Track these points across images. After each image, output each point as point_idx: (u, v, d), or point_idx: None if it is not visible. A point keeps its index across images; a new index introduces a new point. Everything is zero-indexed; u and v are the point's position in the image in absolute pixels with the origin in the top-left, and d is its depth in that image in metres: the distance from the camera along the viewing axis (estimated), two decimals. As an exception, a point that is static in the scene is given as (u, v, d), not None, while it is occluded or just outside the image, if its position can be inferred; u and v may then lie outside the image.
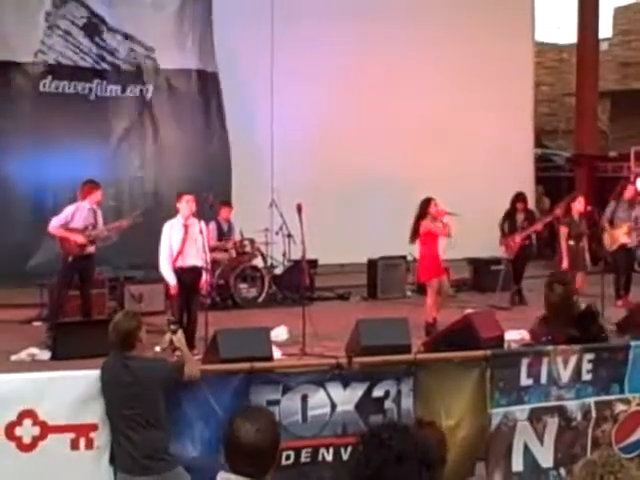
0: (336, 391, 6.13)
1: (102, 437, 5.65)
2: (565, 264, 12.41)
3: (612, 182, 16.53)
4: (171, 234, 10.52)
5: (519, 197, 14.56)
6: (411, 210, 11.91)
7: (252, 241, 14.27)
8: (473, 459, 6.33)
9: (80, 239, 11.20)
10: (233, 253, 13.94)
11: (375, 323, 7.59)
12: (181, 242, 10.46)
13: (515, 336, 9.92)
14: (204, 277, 10.55)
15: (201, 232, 10.41)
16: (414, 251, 12.39)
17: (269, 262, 14.64)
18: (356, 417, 6.14)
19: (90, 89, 15.24)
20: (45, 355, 10.22)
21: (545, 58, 25.04)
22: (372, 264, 15.07)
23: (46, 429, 5.48)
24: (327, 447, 6.08)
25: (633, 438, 6.64)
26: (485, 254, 15.40)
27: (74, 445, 5.59)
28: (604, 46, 22.65)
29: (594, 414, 6.52)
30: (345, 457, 6.03)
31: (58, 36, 14.94)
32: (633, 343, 6.92)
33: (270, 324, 9.16)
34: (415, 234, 11.76)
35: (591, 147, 20.28)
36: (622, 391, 6.66)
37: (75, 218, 11.30)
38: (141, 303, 12.54)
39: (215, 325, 8.61)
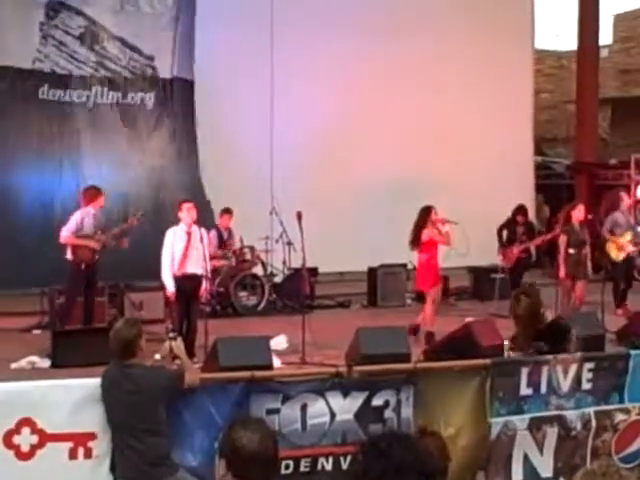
0: (336, 400, 6.12)
1: (101, 446, 5.64)
2: (562, 273, 12.38)
3: (612, 190, 16.49)
4: (174, 241, 10.53)
5: (520, 210, 14.55)
6: (411, 218, 11.89)
7: (252, 249, 14.27)
8: (474, 469, 6.32)
9: (94, 244, 11.27)
10: (233, 261, 13.93)
11: (375, 332, 7.58)
12: (183, 249, 10.47)
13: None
14: (204, 285, 10.55)
15: (201, 240, 10.42)
16: (414, 259, 12.35)
17: (269, 270, 14.63)
18: (355, 426, 6.13)
19: (87, 97, 15.24)
20: (45, 363, 10.20)
21: (545, 65, 25.05)
22: (372, 272, 15.06)
23: (44, 438, 5.47)
24: (326, 456, 6.07)
25: (633, 448, 6.63)
26: (485, 262, 15.38)
27: (72, 454, 5.59)
28: (604, 53, 22.66)
29: (594, 424, 6.51)
30: (345, 466, 6.02)
31: (52, 46, 14.96)
32: (633, 352, 6.91)
33: (270, 332, 9.12)
34: (416, 242, 11.73)
35: (591, 155, 20.27)
36: (622, 400, 6.65)
37: (84, 225, 11.33)
38: (141, 311, 12.53)
39: (215, 333, 8.60)
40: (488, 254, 14.78)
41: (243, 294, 13.87)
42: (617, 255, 13.90)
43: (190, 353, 8.62)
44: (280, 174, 16.33)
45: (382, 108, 17.24)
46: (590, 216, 13.01)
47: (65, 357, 9.99)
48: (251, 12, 16.43)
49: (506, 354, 6.92)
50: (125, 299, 12.95)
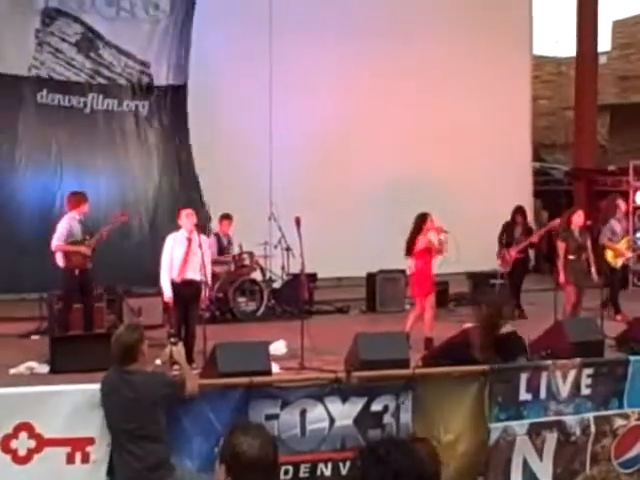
0: (335, 405, 6.12)
1: (99, 451, 5.64)
2: (562, 278, 12.37)
3: (609, 196, 16.49)
4: (173, 247, 10.53)
5: (519, 210, 14.56)
6: (410, 224, 11.89)
7: (251, 254, 14.26)
8: (473, 474, 6.31)
9: (84, 250, 11.28)
10: (232, 266, 13.93)
11: (374, 337, 7.57)
12: (184, 255, 10.46)
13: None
14: (203, 291, 10.54)
15: (200, 246, 10.41)
16: (409, 266, 12.29)
17: (268, 276, 14.62)
18: (355, 432, 6.12)
19: (85, 103, 15.25)
20: (44, 369, 10.19)
21: (543, 71, 25.07)
22: (371, 278, 15.05)
23: (42, 442, 5.47)
24: (326, 462, 6.06)
25: (632, 453, 6.63)
26: (484, 268, 15.37)
27: (70, 459, 5.59)
28: (603, 59, 22.66)
29: (593, 429, 6.51)
30: (344, 472, 6.02)
31: (48, 52, 14.96)
32: (632, 358, 6.91)
33: (269, 338, 9.11)
34: (411, 249, 11.69)
35: (590, 161, 20.28)
36: (621, 406, 6.65)
37: (73, 231, 11.34)
38: (140, 316, 12.51)
39: (214, 339, 8.59)
40: (487, 260, 14.77)
41: (242, 300, 13.86)
42: (615, 262, 13.91)
43: (189, 359, 8.61)
44: (279, 180, 16.33)
45: (381, 113, 17.25)
46: (589, 222, 13.00)
47: (64, 363, 9.97)
48: (249, 17, 16.43)
49: None
50: (124, 305, 12.94)
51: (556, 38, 26.57)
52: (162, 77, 15.73)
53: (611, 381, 6.64)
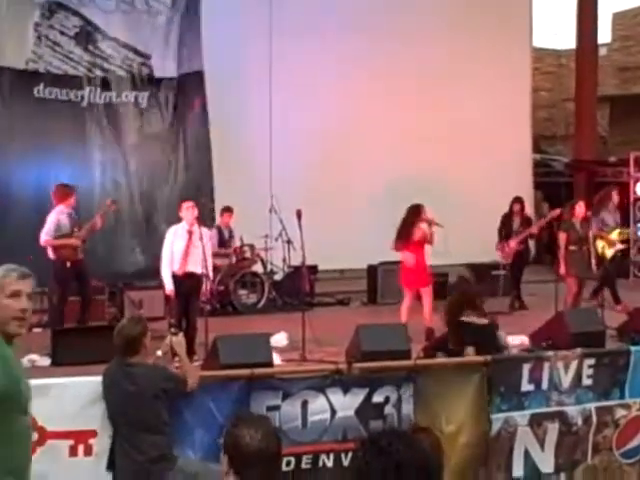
0: (336, 397, 6.13)
1: (101, 444, 5.64)
2: (563, 270, 12.37)
3: (605, 187, 16.49)
4: (174, 240, 10.53)
5: (517, 201, 14.55)
6: (410, 216, 11.92)
7: (252, 247, 14.27)
8: (475, 465, 6.31)
9: (74, 242, 11.32)
10: (233, 259, 13.94)
11: (375, 329, 7.58)
12: (184, 248, 10.47)
13: (515, 341, 9.91)
14: (204, 284, 10.54)
15: (201, 239, 10.41)
16: (408, 257, 12.19)
17: (269, 268, 14.63)
18: (356, 423, 6.13)
19: (82, 96, 15.23)
20: (45, 361, 10.20)
21: (544, 63, 25.04)
22: (372, 269, 15.06)
23: (45, 435, 5.47)
24: (327, 453, 6.07)
25: (634, 443, 6.62)
26: (485, 259, 15.38)
27: (72, 451, 5.59)
28: (603, 51, 22.64)
29: (595, 419, 6.51)
30: (346, 463, 6.02)
31: (47, 46, 14.92)
32: (633, 348, 6.92)
33: (270, 330, 9.11)
34: (407, 240, 11.64)
35: (590, 152, 20.27)
36: (622, 396, 6.65)
37: (61, 224, 11.38)
38: (141, 309, 12.53)
39: (215, 331, 8.60)
40: (488, 251, 14.78)
41: (243, 292, 13.87)
42: (605, 252, 13.86)
43: (190, 351, 8.63)
44: (279, 172, 16.32)
45: (381, 107, 17.23)
46: (589, 213, 13.01)
47: (65, 355, 9.98)
48: (250, 15, 16.42)
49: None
50: (125, 297, 12.96)
51: (556, 30, 26.56)
52: (164, 69, 15.70)
53: (612, 371, 6.64)
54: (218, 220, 14.16)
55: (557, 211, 13.27)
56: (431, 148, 17.65)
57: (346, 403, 6.14)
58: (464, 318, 6.92)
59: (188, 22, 15.79)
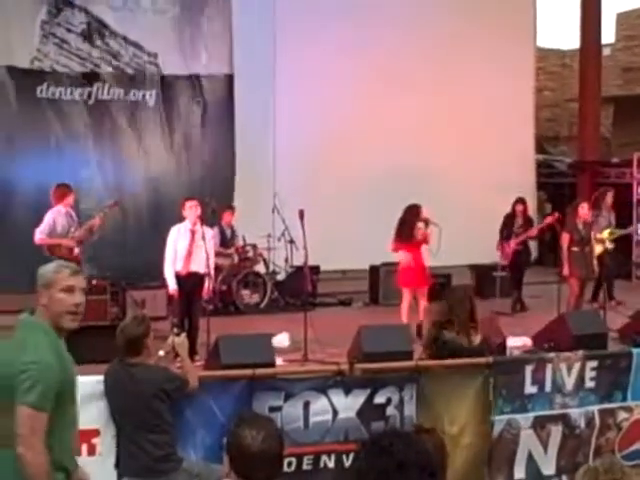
0: (338, 397, 6.12)
1: (104, 443, 5.65)
2: (566, 271, 12.37)
3: (615, 188, 16.47)
4: (177, 239, 10.53)
5: (519, 202, 14.54)
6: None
7: (254, 247, 14.26)
8: (479, 466, 6.30)
9: (68, 242, 11.35)
10: (235, 259, 13.94)
11: (377, 329, 7.58)
12: (187, 247, 10.47)
13: (517, 343, 9.91)
14: (207, 283, 10.54)
15: (203, 238, 10.41)
16: (405, 257, 12.21)
17: (271, 268, 14.63)
18: (358, 424, 6.13)
19: (89, 93, 15.25)
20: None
21: (547, 63, 25.03)
22: (374, 270, 15.06)
23: (47, 434, 5.47)
24: (329, 454, 6.07)
25: (636, 446, 6.63)
26: (487, 260, 15.38)
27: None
28: (607, 51, 22.61)
29: (598, 422, 6.50)
30: (347, 464, 6.02)
31: (53, 44, 14.95)
32: (635, 350, 6.90)
33: (272, 330, 9.14)
34: (409, 240, 11.66)
35: (593, 153, 20.24)
36: (625, 399, 6.64)
37: (57, 224, 11.39)
38: (143, 309, 12.53)
39: (217, 331, 8.60)
40: (490, 252, 14.77)
41: (245, 292, 13.87)
42: (595, 249, 13.83)
43: (192, 351, 8.63)
44: (282, 172, 16.32)
45: (384, 106, 17.22)
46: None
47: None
48: (253, 12, 16.42)
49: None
50: (127, 297, 12.96)
51: (560, 30, 26.55)
52: (172, 67, 15.73)
53: (615, 374, 6.63)
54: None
55: (555, 216, 13.23)
56: (434, 148, 17.64)
57: (348, 404, 6.13)
58: (445, 336, 6.85)
59: (196, 21, 15.84)
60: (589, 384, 6.53)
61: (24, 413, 3.92)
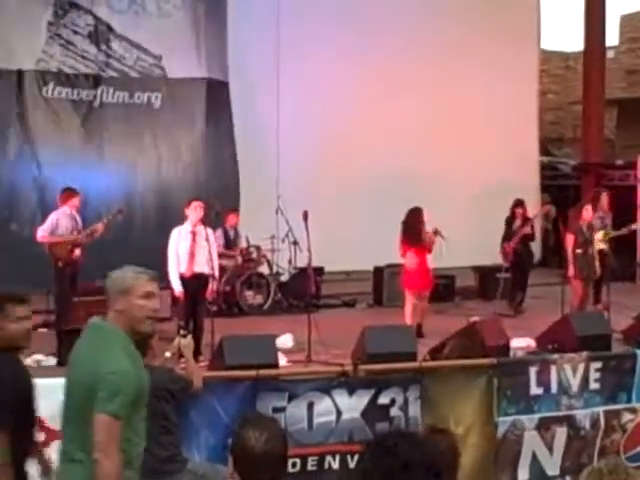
0: (342, 398, 6.12)
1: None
2: (571, 271, 12.36)
3: (619, 190, 16.47)
4: (178, 241, 10.54)
5: (517, 203, 14.54)
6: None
7: (258, 248, 14.26)
8: (484, 467, 6.29)
9: (69, 242, 11.42)
10: (239, 260, 13.94)
11: (381, 330, 7.58)
12: (189, 249, 10.47)
13: (521, 344, 9.90)
14: (211, 284, 10.55)
15: (207, 239, 10.42)
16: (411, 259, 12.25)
17: (275, 269, 14.62)
18: (362, 424, 6.12)
19: (95, 96, 15.28)
20: (51, 361, 10.21)
21: (551, 66, 25.02)
22: (378, 271, 15.05)
23: (52, 435, 5.47)
24: (333, 454, 6.06)
25: (641, 447, 6.62)
26: (490, 262, 15.38)
27: (80, 451, 5.57)
28: (611, 54, 22.59)
29: (602, 423, 6.49)
30: (352, 465, 6.01)
31: (59, 45, 14.97)
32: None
33: (276, 331, 9.13)
34: (419, 243, 11.73)
35: (597, 155, 20.23)
36: (629, 400, 6.63)
37: (60, 224, 11.47)
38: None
39: (221, 332, 8.60)
40: (493, 253, 14.77)
41: (249, 293, 13.86)
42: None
43: (197, 352, 8.63)
44: (286, 173, 16.33)
45: (387, 109, 17.23)
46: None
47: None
48: (258, 13, 16.44)
49: None
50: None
51: (564, 32, 26.53)
52: (176, 70, 15.75)
53: (619, 375, 6.63)
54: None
55: (546, 207, 13.20)
56: (438, 151, 17.65)
57: (352, 405, 6.13)
58: None
59: (200, 25, 15.89)
60: (594, 385, 6.52)
61: (103, 421, 3.99)
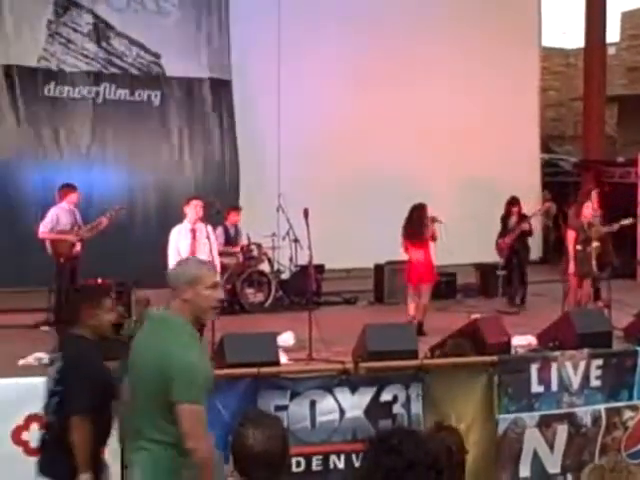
0: (344, 396, 6.11)
1: (110, 440, 5.63)
2: (572, 269, 12.37)
3: (620, 187, 16.47)
4: (178, 239, 10.55)
5: (512, 201, 14.56)
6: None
7: (259, 246, 14.26)
8: (485, 464, 6.28)
9: (71, 238, 11.44)
10: (240, 258, 13.93)
11: (382, 328, 7.56)
12: (189, 247, 10.49)
13: (522, 342, 9.89)
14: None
15: (208, 237, 10.43)
16: (399, 255, 12.35)
17: (276, 267, 14.62)
18: (366, 422, 6.10)
19: (97, 93, 15.30)
20: (52, 359, 10.21)
21: (552, 63, 25.01)
22: (379, 269, 15.05)
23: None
24: (338, 454, 6.04)
25: (642, 444, 6.62)
26: (492, 259, 15.37)
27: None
28: (611, 51, 22.58)
29: (604, 421, 6.48)
30: (357, 464, 5.99)
31: (60, 44, 15.01)
32: (641, 349, 6.89)
33: (277, 329, 9.12)
34: (420, 239, 11.79)
35: (598, 152, 20.21)
36: (631, 397, 6.63)
37: (60, 220, 11.50)
38: (148, 307, 12.51)
39: (222, 330, 8.58)
40: (494, 251, 14.77)
41: (250, 291, 13.85)
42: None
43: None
44: (287, 171, 16.33)
45: (388, 106, 17.22)
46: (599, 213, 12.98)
47: (72, 353, 9.97)
48: (259, 10, 16.44)
49: None
50: (133, 296, 12.94)
51: (564, 29, 26.54)
52: (176, 68, 15.76)
53: (620, 373, 6.62)
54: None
55: (547, 205, 13.20)
56: (439, 147, 17.66)
57: (354, 402, 6.12)
58: None
59: (200, 23, 15.90)
60: (595, 383, 6.52)
61: (187, 409, 4.12)
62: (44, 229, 11.50)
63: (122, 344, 5.72)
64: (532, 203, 15.30)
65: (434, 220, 11.87)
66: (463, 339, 7.60)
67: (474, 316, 10.31)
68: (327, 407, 6.07)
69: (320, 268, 14.30)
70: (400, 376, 6.26)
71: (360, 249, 15.72)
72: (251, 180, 15.85)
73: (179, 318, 4.33)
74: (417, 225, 11.83)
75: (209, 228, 10.71)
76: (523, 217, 14.58)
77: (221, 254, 11.91)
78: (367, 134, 17.04)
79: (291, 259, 14.49)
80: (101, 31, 15.30)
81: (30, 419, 5.42)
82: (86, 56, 15.20)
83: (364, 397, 6.14)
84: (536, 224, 15.65)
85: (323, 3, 17.08)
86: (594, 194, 14.28)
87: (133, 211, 15.22)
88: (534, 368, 6.37)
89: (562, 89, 25.51)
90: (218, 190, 14.89)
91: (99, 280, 12.25)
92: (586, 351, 6.59)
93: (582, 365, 6.47)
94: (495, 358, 6.46)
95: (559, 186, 21.04)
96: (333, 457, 6.04)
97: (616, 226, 13.06)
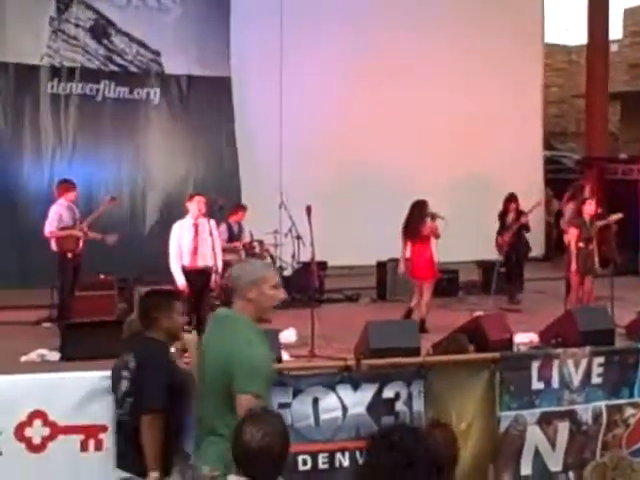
0: (347, 393, 6.10)
1: (112, 438, 5.65)
2: (574, 266, 12.37)
3: (622, 184, 16.46)
4: (180, 234, 10.56)
5: (510, 198, 14.60)
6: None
7: (261, 243, 14.26)
8: (487, 461, 6.28)
9: (77, 233, 11.51)
10: (242, 254, 13.93)
11: (384, 325, 7.59)
12: (192, 242, 10.50)
13: (524, 339, 9.91)
14: (214, 278, 10.56)
15: (211, 233, 10.44)
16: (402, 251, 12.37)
17: (278, 264, 14.63)
18: (368, 420, 6.09)
19: (97, 90, 15.32)
20: (54, 356, 10.24)
21: (554, 60, 24.99)
22: (381, 266, 15.06)
23: (56, 430, 5.48)
24: (343, 452, 6.03)
25: (644, 442, 6.61)
26: (494, 256, 15.38)
27: (84, 446, 5.59)
28: (614, 47, 22.57)
29: (605, 418, 6.48)
30: (361, 461, 5.97)
31: (62, 40, 15.05)
32: (643, 347, 6.88)
33: (279, 326, 9.14)
34: (417, 235, 11.82)
35: (601, 149, 20.21)
36: (632, 395, 6.62)
37: (63, 217, 11.56)
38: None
39: (224, 327, 8.59)
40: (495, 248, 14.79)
41: (252, 288, 13.84)
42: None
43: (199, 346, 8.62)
44: (289, 168, 16.35)
45: (392, 103, 17.23)
46: (600, 210, 12.98)
47: (74, 350, 10.00)
48: (260, 9, 16.44)
49: None
50: (135, 292, 12.96)
51: (567, 26, 26.50)
52: (175, 66, 15.77)
53: (622, 370, 6.60)
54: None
55: (540, 201, 13.27)
56: (441, 144, 17.67)
57: (357, 399, 6.11)
58: None
59: (200, 20, 15.90)
60: (596, 380, 6.50)
61: (247, 401, 4.20)
62: (51, 228, 11.52)
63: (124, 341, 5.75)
64: (534, 200, 15.28)
65: (435, 216, 11.87)
66: (461, 334, 7.62)
67: (476, 313, 10.33)
68: (330, 404, 6.06)
69: (322, 265, 14.32)
70: (402, 373, 6.25)
71: (362, 246, 15.74)
72: (253, 177, 15.87)
73: (242, 317, 4.49)
74: (414, 221, 11.88)
75: (212, 223, 10.72)
76: (520, 213, 14.62)
77: (224, 251, 11.90)
78: (369, 132, 17.05)
79: (293, 256, 14.51)
80: (102, 28, 15.31)
81: (33, 415, 5.42)
82: (88, 52, 15.22)
83: (366, 394, 6.13)
84: (538, 221, 15.63)
85: (324, 3, 17.07)
86: (586, 191, 14.33)
87: (133, 208, 15.26)
88: (535, 365, 6.36)
89: (564, 86, 25.50)
90: (219, 187, 14.90)
91: (100, 277, 12.33)
92: (588, 348, 6.59)
93: (584, 362, 6.46)
94: (497, 355, 6.46)
95: (561, 183, 21.00)
96: (338, 455, 6.03)
97: (604, 221, 13.03)
